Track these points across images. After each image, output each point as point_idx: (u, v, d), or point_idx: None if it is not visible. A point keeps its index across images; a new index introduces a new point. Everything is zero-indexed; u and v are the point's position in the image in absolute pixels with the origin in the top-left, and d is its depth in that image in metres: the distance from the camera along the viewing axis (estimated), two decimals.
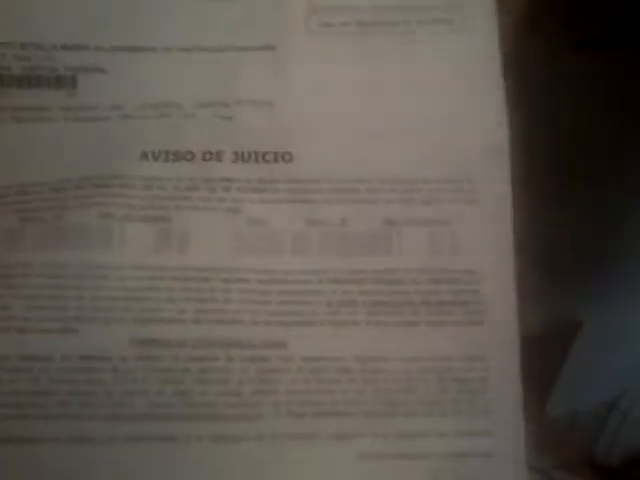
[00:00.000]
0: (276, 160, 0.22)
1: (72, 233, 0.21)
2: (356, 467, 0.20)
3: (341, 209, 0.22)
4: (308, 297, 0.21)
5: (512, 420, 0.21)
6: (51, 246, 0.21)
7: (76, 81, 0.23)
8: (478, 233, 0.22)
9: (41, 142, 0.22)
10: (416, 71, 0.23)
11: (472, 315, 0.21)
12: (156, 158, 0.22)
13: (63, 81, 0.23)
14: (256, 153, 0.22)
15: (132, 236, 0.21)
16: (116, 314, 0.20)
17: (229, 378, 0.20)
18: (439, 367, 0.21)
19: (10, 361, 0.19)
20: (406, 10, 0.24)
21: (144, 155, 0.22)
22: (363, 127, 0.22)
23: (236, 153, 0.22)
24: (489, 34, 0.23)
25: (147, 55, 0.23)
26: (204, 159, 0.22)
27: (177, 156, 0.22)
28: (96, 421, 0.19)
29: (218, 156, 0.22)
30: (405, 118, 0.23)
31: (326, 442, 0.20)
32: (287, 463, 0.20)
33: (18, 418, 0.19)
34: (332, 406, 0.20)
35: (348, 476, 0.20)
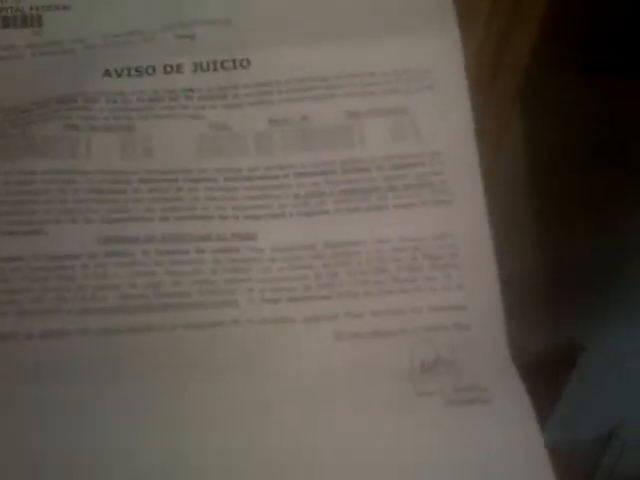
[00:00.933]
0: (235, 67, 0.22)
1: (38, 143, 0.21)
2: (333, 347, 0.20)
3: (302, 106, 0.22)
4: (275, 191, 0.21)
5: (486, 293, 0.20)
6: (18, 156, 0.21)
7: (41, 20, 0.23)
8: (437, 117, 0.22)
9: (8, 76, 0.23)
10: None
11: (438, 195, 0.21)
12: (119, 75, 0.22)
13: (29, 20, 0.24)
14: (214, 62, 0.22)
15: (98, 145, 0.21)
16: (84, 215, 0.20)
17: (201, 269, 0.20)
18: (410, 246, 0.21)
19: None
20: None
21: (107, 73, 0.22)
22: (317, 28, 0.23)
23: (195, 64, 0.22)
24: None
25: None
26: (165, 72, 0.22)
27: (139, 71, 0.22)
28: (70, 315, 0.19)
29: (178, 68, 0.22)
30: (358, 18, 0.23)
31: (303, 325, 0.20)
32: (264, 347, 0.19)
33: None
34: (306, 291, 0.20)
35: (326, 356, 0.20)
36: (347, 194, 0.21)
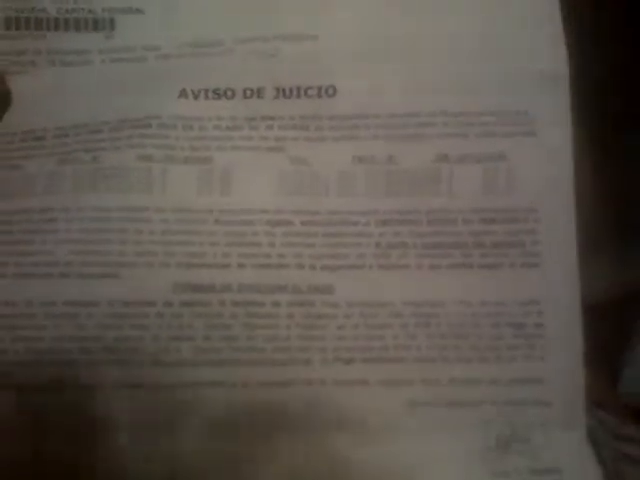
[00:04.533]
0: (319, 95, 0.20)
1: (110, 175, 0.19)
2: (406, 414, 0.18)
3: (389, 145, 0.19)
4: (355, 239, 0.19)
5: (570, 367, 0.18)
6: (90, 189, 0.19)
7: (114, 23, 0.21)
8: (536, 168, 0.19)
9: (78, 85, 0.20)
10: None
11: (528, 257, 0.19)
12: (196, 96, 0.20)
13: (101, 23, 0.21)
14: (298, 88, 0.20)
15: (174, 178, 0.19)
16: (159, 259, 0.18)
17: (276, 323, 0.18)
18: (493, 311, 0.19)
19: (55, 307, 0.18)
20: None
21: (183, 93, 0.20)
22: (411, 55, 0.20)
23: (277, 89, 0.20)
24: None
25: None
26: (245, 96, 0.20)
27: (217, 94, 0.20)
28: (143, 367, 0.18)
29: (259, 93, 0.20)
30: (456, 42, 0.20)
31: (376, 389, 0.18)
32: (335, 409, 0.18)
33: (65, 364, 0.18)
34: (382, 352, 0.18)
35: (398, 424, 0.18)
36: (430, 248, 0.19)
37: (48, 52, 0.21)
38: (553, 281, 0.19)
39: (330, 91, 0.20)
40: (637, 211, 0.22)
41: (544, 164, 0.19)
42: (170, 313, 0.18)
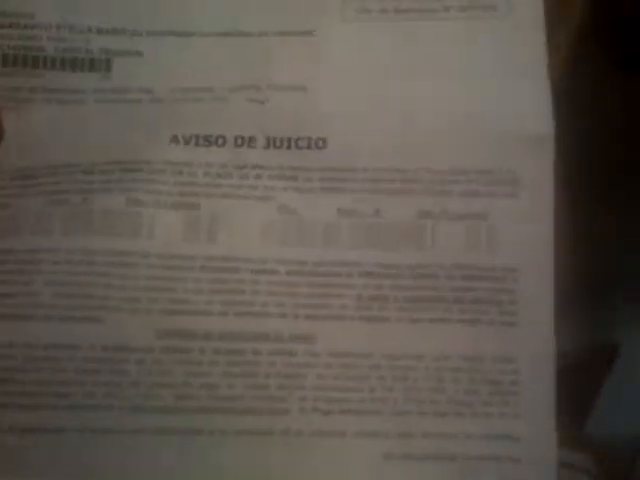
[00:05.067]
0: (309, 146, 0.20)
1: (100, 219, 0.19)
2: (381, 467, 0.18)
3: (375, 199, 0.20)
4: (338, 290, 0.19)
5: (543, 424, 0.19)
6: (79, 231, 0.19)
7: (110, 64, 0.21)
8: (517, 229, 0.19)
9: (71, 124, 0.20)
10: (455, 55, 0.21)
11: (506, 315, 0.19)
12: (187, 142, 0.20)
13: (97, 64, 0.21)
14: (289, 139, 0.20)
15: (161, 224, 0.19)
16: (143, 304, 0.19)
17: (256, 372, 0.19)
18: (471, 367, 0.19)
19: (36, 350, 0.18)
20: None
21: (174, 139, 0.20)
22: (399, 113, 0.20)
23: (268, 138, 0.20)
24: (535, 21, 0.20)
25: (184, 40, 0.21)
26: (236, 144, 0.20)
27: (208, 141, 0.20)
28: (122, 412, 0.18)
29: (250, 142, 0.20)
30: (443, 104, 0.20)
31: (352, 440, 0.18)
32: (312, 460, 0.18)
33: (44, 408, 0.18)
34: (360, 404, 0.19)
35: (373, 476, 0.18)
36: (411, 302, 0.19)
37: (44, 90, 0.21)
38: (529, 339, 0.19)
39: (320, 143, 0.20)
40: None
41: (525, 225, 0.19)
42: (151, 359, 0.18)
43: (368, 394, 0.19)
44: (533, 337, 0.19)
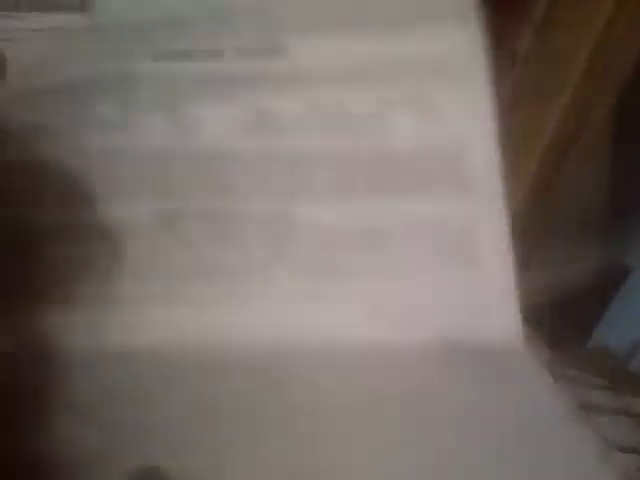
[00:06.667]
0: (273, 53, 0.23)
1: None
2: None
3: (337, 93, 0.22)
4: (311, 175, 0.22)
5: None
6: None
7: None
8: (460, 106, 0.22)
9: (59, 54, 0.22)
10: None
11: (461, 183, 0.22)
12: (168, 58, 0.22)
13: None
14: (254, 49, 0.22)
15: (151, 123, 0.22)
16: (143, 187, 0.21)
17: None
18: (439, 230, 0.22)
19: None
20: None
21: (156, 57, 0.22)
22: (349, 18, 0.23)
23: (237, 49, 0.22)
24: None
25: None
26: (210, 56, 0.22)
27: (187, 55, 0.22)
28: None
29: (222, 53, 0.22)
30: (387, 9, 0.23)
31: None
32: (300, 324, 0.21)
33: None
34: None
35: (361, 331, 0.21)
36: (378, 181, 0.22)
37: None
38: (483, 202, 0.22)
39: (281, 51, 0.22)
40: None
41: (466, 102, 0.22)
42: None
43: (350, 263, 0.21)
44: (486, 200, 0.22)
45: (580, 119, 0.21)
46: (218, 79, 0.22)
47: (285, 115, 0.22)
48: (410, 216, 0.21)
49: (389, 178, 0.22)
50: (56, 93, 0.22)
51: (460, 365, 0.20)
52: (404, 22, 0.23)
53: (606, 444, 0.20)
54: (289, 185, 0.22)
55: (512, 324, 0.21)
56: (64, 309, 0.20)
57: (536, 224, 0.28)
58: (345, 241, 0.21)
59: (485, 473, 0.17)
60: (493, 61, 0.22)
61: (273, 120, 0.22)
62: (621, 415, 0.27)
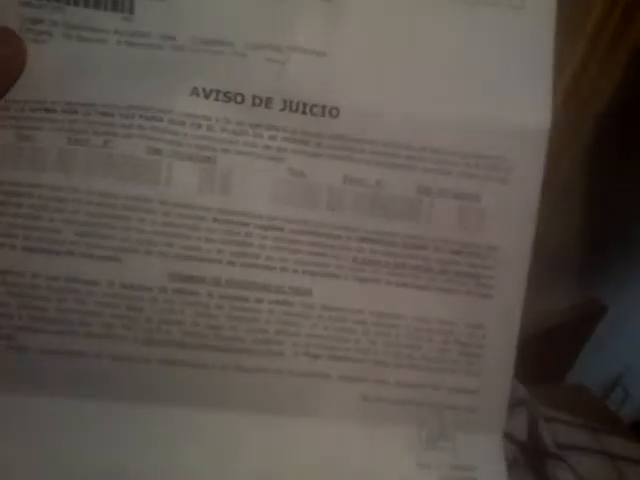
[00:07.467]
0: (323, 114, 0.21)
1: (121, 163, 0.20)
2: (359, 407, 0.21)
3: (379, 171, 0.21)
4: (336, 251, 0.21)
5: (499, 380, 0.21)
6: (100, 174, 0.20)
7: (133, 5, 0.21)
8: (505, 212, 0.21)
9: (91, 62, 0.20)
10: (458, 41, 0.21)
11: (483, 288, 0.21)
12: (207, 96, 0.20)
13: (120, 4, 0.21)
14: (304, 104, 0.21)
15: (179, 174, 0.20)
16: (158, 248, 0.20)
17: (257, 317, 0.20)
18: (445, 330, 0.21)
19: (59, 282, 0.19)
20: None
21: (195, 91, 0.20)
22: (414, 91, 0.21)
23: (285, 101, 0.21)
24: (546, 15, 0.21)
25: None
26: (253, 104, 0.21)
27: (227, 97, 0.20)
28: (135, 343, 0.20)
29: (267, 103, 0.21)
30: (452, 84, 0.21)
31: (336, 383, 0.21)
32: (299, 398, 0.21)
33: (66, 334, 0.19)
34: (345, 352, 0.21)
35: (352, 414, 0.21)
36: (401, 268, 0.21)
37: (65, 25, 0.21)
38: (499, 311, 0.21)
39: (334, 112, 0.21)
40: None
41: (511, 210, 0.21)
42: (163, 299, 0.20)
43: (353, 344, 0.21)
44: (503, 309, 0.21)
45: (551, 163, 0.22)
46: (259, 131, 0.20)
47: (322, 185, 0.21)
48: (425, 310, 0.21)
49: (414, 268, 0.21)
50: (72, 114, 0.20)
51: None
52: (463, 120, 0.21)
53: None
54: (312, 261, 0.21)
55: None
56: None
57: None
58: (356, 324, 0.21)
59: None
60: None
61: (309, 188, 0.21)
62: (597, 454, 0.27)
